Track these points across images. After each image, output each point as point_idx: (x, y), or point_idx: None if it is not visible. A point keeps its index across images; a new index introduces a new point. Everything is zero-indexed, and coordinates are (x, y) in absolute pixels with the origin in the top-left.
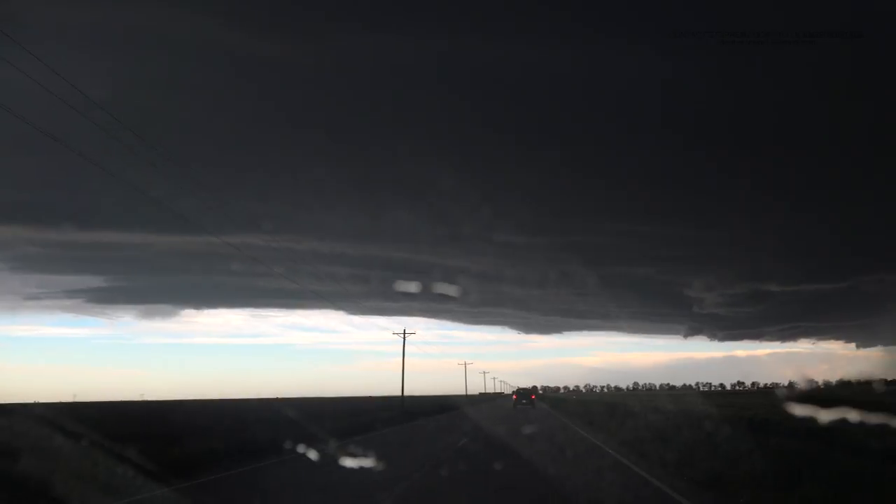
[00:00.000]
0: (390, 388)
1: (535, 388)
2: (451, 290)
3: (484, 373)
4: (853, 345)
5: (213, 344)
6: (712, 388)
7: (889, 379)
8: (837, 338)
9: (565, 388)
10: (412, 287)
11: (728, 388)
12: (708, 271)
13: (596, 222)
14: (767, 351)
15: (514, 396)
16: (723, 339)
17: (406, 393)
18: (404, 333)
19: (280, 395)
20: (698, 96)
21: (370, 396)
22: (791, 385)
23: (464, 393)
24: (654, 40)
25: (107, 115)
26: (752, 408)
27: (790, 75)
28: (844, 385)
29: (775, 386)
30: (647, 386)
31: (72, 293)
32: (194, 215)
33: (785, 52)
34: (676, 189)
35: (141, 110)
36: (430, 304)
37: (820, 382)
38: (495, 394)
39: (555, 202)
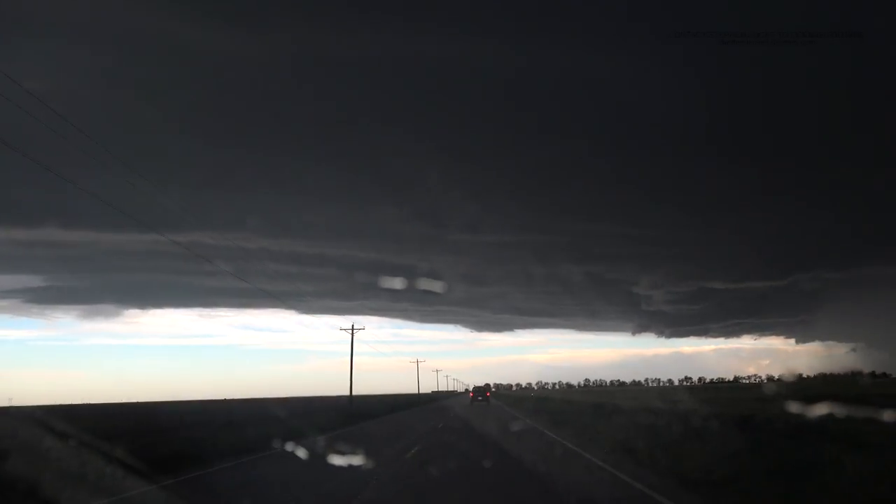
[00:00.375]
0: (342, 387)
1: (488, 385)
2: (403, 287)
3: (437, 371)
4: (793, 340)
5: (159, 345)
6: (661, 384)
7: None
8: (778, 334)
9: (517, 385)
10: (366, 285)
11: (676, 383)
12: (656, 269)
13: (548, 221)
14: (712, 347)
15: (470, 394)
16: (669, 335)
17: (358, 392)
18: (352, 329)
19: (227, 397)
20: (646, 100)
21: (322, 396)
22: (771, 379)
23: (418, 391)
24: (612, 41)
25: (46, 108)
26: (735, 404)
27: (731, 78)
28: (828, 379)
29: (721, 381)
30: (598, 382)
31: (7, 293)
32: (139, 212)
33: (728, 52)
34: (626, 189)
35: (85, 103)
36: (383, 303)
37: (764, 377)
38: (448, 392)
39: (507, 201)
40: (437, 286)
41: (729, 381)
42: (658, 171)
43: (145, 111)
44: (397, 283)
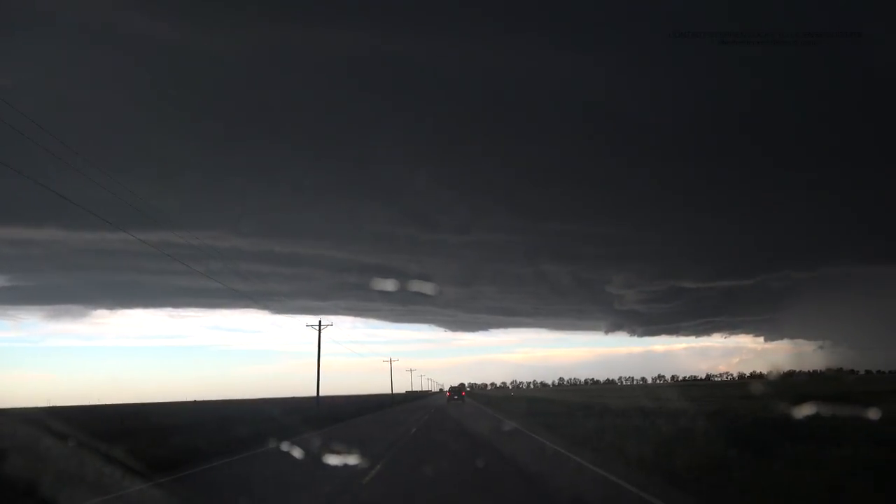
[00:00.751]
0: (314, 388)
1: (463, 385)
2: (380, 287)
3: (411, 370)
4: (762, 338)
5: (127, 346)
6: (635, 382)
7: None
8: (747, 332)
9: (492, 384)
10: (340, 285)
11: (650, 381)
12: (629, 269)
13: (525, 222)
14: (683, 345)
15: (447, 393)
16: (642, 334)
17: (330, 392)
18: (319, 325)
19: (197, 399)
20: (619, 102)
21: (292, 397)
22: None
23: (391, 392)
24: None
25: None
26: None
27: (702, 80)
28: (815, 377)
29: (695, 379)
30: (573, 381)
31: None
32: (106, 211)
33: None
34: (601, 189)
35: (50, 99)
36: (357, 303)
37: (736, 375)
38: (423, 392)
39: (484, 202)
40: (412, 285)
41: (702, 379)
42: (633, 172)
43: (117, 107)
44: (372, 282)
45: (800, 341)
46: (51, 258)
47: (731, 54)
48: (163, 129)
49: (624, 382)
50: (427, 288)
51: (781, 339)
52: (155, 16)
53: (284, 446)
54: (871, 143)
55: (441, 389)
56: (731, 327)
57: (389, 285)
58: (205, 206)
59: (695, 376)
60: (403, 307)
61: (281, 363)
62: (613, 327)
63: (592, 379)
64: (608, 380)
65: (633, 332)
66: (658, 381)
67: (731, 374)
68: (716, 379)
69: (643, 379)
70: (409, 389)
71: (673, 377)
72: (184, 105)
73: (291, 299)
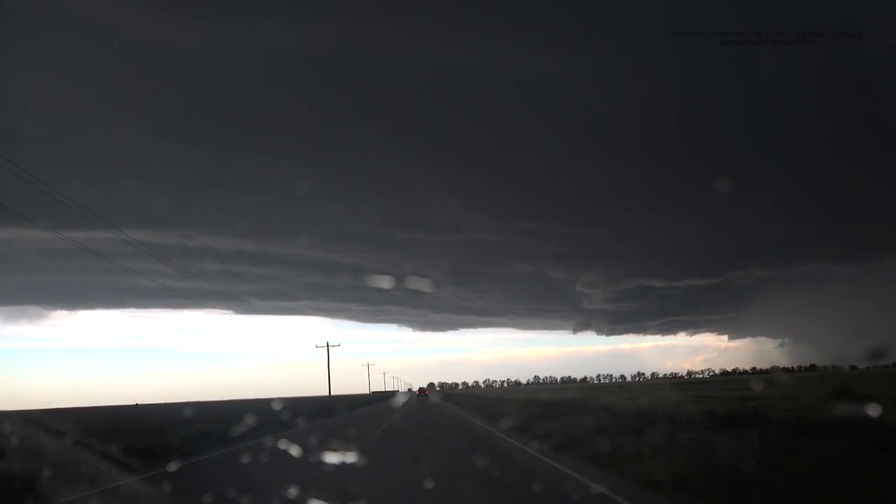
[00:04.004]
0: (274, 389)
1: (431, 384)
2: (351, 287)
3: (368, 364)
4: (725, 337)
5: (88, 348)
6: (613, 380)
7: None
8: (712, 330)
9: (464, 383)
10: (310, 285)
11: (629, 379)
12: (597, 268)
13: (495, 221)
14: (650, 344)
15: (417, 392)
16: (609, 333)
17: (275, 394)
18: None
19: (139, 402)
20: (588, 101)
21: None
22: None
23: (329, 393)
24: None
25: None
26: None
27: (673, 79)
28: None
29: (675, 376)
30: (549, 379)
31: None
32: (65, 208)
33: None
34: (570, 189)
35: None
36: (328, 304)
37: (717, 371)
38: (387, 392)
39: (453, 200)
40: (384, 285)
41: (683, 377)
42: (602, 171)
43: (85, 103)
44: (344, 282)
45: (762, 339)
46: (5, 257)
47: (715, 56)
48: (134, 127)
49: (603, 380)
50: (398, 288)
51: (745, 337)
52: (132, 7)
53: None
54: (836, 146)
55: (409, 389)
56: (696, 326)
57: (361, 285)
58: (176, 205)
59: (675, 373)
60: (375, 307)
61: (246, 364)
62: (581, 326)
63: (569, 377)
64: (584, 378)
65: (600, 331)
66: (637, 379)
67: (713, 371)
68: (697, 376)
69: (622, 377)
70: (375, 390)
71: (653, 374)
72: (155, 102)
73: (261, 300)
